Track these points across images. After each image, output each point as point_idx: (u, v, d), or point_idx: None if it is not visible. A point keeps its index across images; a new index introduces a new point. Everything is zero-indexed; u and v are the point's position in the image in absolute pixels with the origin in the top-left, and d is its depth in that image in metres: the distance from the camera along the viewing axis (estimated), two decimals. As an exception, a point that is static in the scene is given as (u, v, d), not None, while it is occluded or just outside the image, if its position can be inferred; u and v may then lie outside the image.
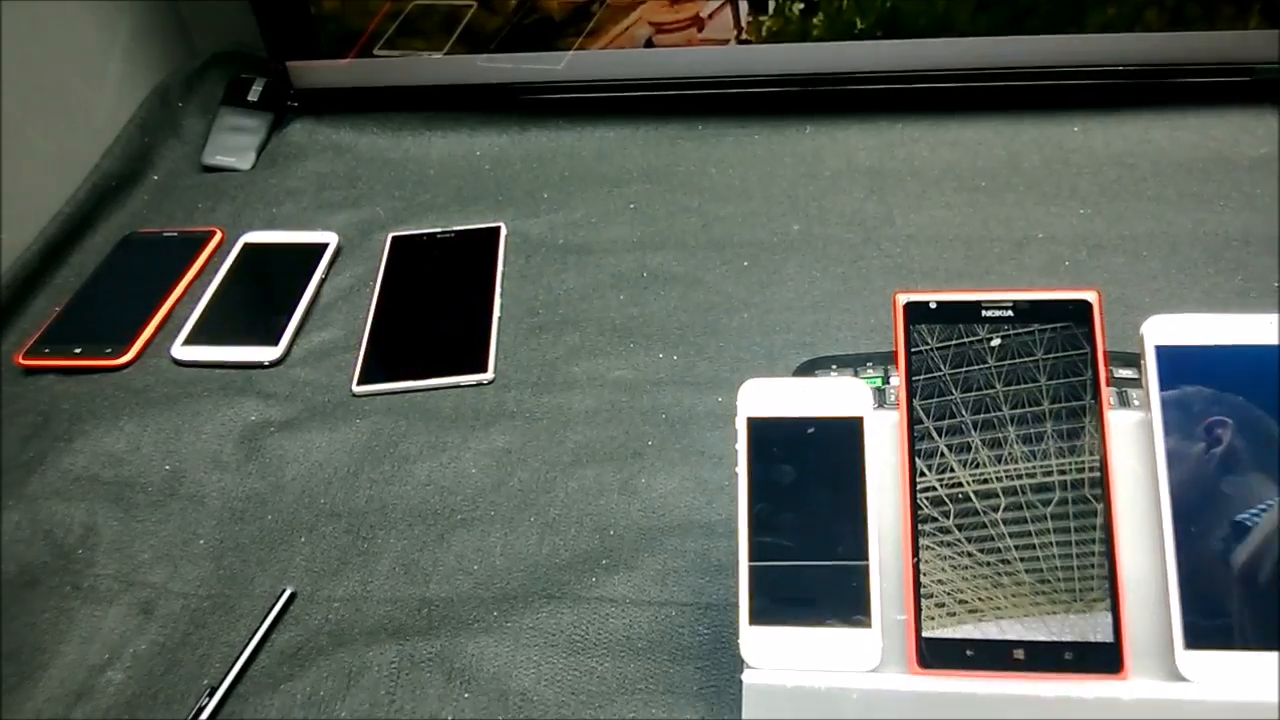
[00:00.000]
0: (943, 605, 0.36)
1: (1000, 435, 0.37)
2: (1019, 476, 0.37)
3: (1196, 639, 0.35)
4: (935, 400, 0.38)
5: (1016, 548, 0.36)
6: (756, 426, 0.39)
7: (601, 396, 0.61)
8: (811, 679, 0.36)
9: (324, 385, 0.64)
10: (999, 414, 0.38)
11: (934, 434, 0.38)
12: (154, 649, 0.50)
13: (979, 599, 0.36)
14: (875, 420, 0.38)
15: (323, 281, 0.72)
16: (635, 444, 0.58)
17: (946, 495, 0.37)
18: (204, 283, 0.72)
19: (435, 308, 0.69)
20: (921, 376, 0.38)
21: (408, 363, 0.65)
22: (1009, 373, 0.38)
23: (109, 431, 0.61)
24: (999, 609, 0.36)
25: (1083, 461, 0.37)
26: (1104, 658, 0.35)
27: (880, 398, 0.54)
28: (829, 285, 0.68)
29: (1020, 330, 0.38)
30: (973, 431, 0.38)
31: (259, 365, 0.66)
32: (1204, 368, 0.37)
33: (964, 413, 0.38)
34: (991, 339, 0.38)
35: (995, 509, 0.37)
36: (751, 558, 0.38)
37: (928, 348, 0.39)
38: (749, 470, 0.38)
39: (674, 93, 0.85)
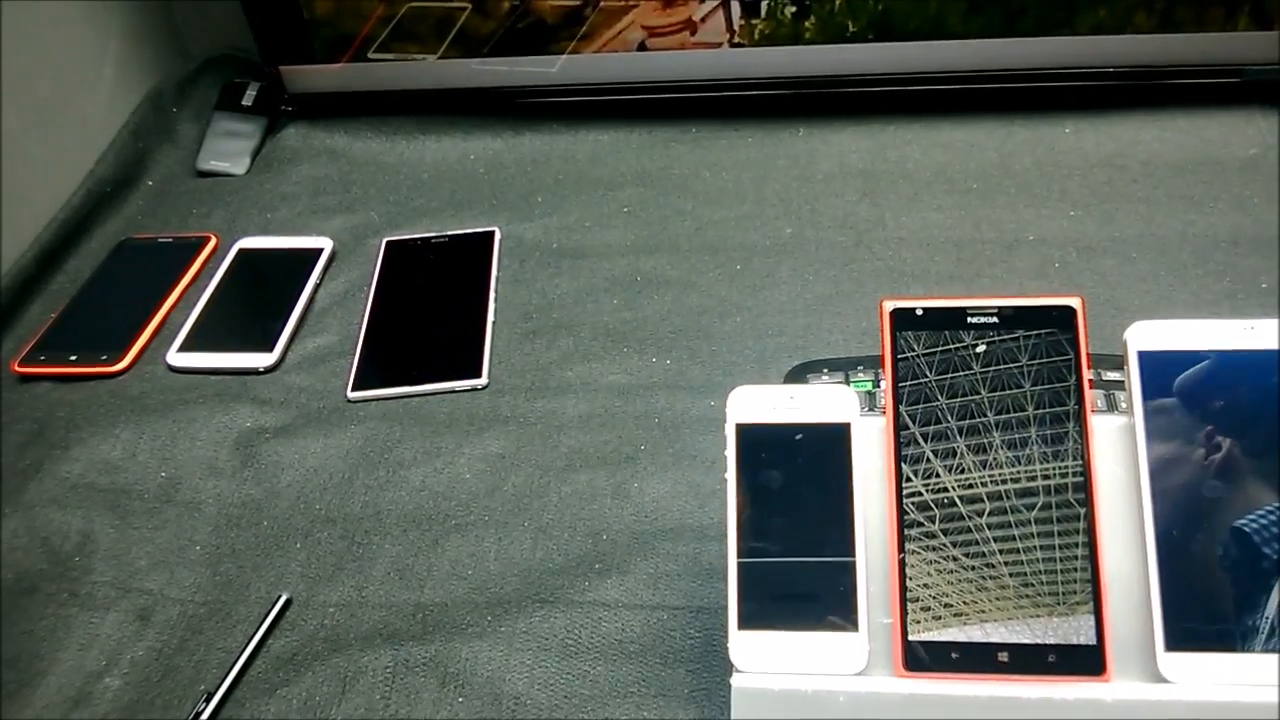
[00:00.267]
0: (928, 609, 0.37)
1: (985, 441, 0.38)
2: (1003, 481, 0.37)
3: (1177, 641, 0.35)
4: (921, 406, 0.39)
5: (1001, 552, 0.37)
6: (745, 433, 0.39)
7: (595, 401, 0.62)
8: (799, 682, 0.37)
9: (319, 391, 0.65)
10: (984, 419, 0.38)
11: (920, 439, 0.38)
12: (151, 655, 0.50)
13: (964, 602, 0.37)
14: (862, 426, 0.39)
15: (317, 287, 0.73)
16: (628, 449, 0.58)
17: (932, 500, 0.38)
18: (199, 289, 0.73)
19: (430, 313, 0.70)
20: (908, 382, 0.39)
21: (402, 368, 0.65)
22: (994, 378, 0.39)
23: (105, 439, 0.61)
24: (983, 612, 0.36)
25: (1066, 466, 0.37)
26: (1087, 660, 0.35)
27: (871, 401, 0.55)
28: (821, 288, 0.68)
29: (1005, 336, 0.39)
30: (958, 437, 0.38)
31: (254, 371, 0.66)
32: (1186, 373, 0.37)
33: (950, 418, 0.38)
34: (977, 345, 0.39)
35: (980, 513, 0.37)
36: (740, 562, 0.38)
37: (914, 354, 0.39)
38: (738, 476, 0.39)
39: (667, 96, 0.85)
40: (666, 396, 0.61)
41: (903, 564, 0.37)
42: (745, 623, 0.37)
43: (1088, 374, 0.38)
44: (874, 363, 0.58)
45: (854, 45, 0.81)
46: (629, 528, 0.54)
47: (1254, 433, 0.36)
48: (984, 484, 0.38)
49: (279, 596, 0.52)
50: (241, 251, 0.75)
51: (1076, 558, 0.36)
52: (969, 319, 0.39)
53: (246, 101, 0.89)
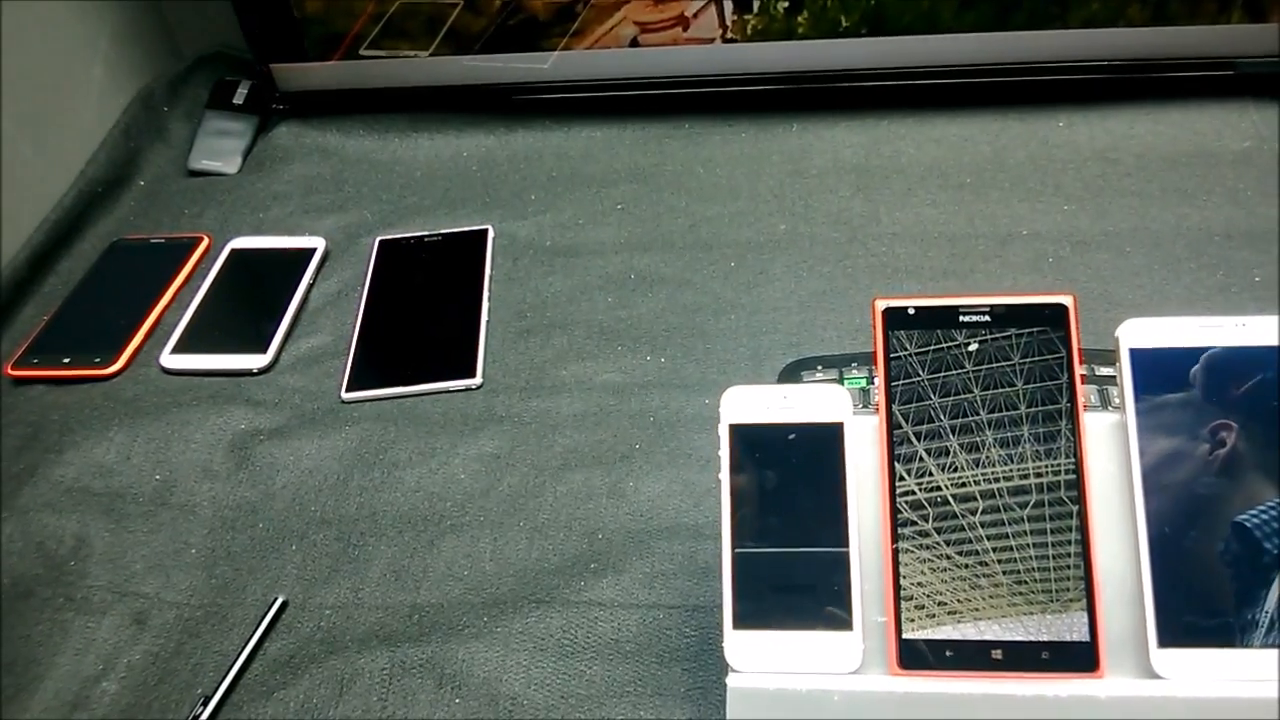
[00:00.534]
0: (922, 607, 0.37)
1: (978, 439, 0.38)
2: (996, 480, 0.38)
3: (1170, 637, 0.35)
4: (914, 405, 0.39)
5: (994, 550, 0.37)
6: (738, 433, 0.39)
7: (589, 400, 0.62)
8: (794, 681, 0.37)
9: (313, 392, 0.64)
10: (976, 418, 0.38)
11: (913, 438, 0.38)
12: (147, 659, 0.50)
13: (958, 601, 0.37)
14: (855, 425, 0.39)
15: (310, 287, 0.73)
16: (623, 447, 0.58)
17: (925, 499, 0.38)
18: (192, 289, 0.72)
19: (423, 312, 0.69)
20: (900, 382, 0.39)
21: (396, 368, 0.65)
22: (986, 377, 0.39)
23: (99, 442, 0.61)
24: (977, 610, 0.36)
25: (1059, 464, 0.37)
26: (1080, 657, 0.36)
27: (865, 398, 0.55)
28: (815, 285, 0.68)
29: (997, 334, 0.39)
30: (951, 436, 0.38)
31: (248, 373, 0.66)
32: (1178, 370, 0.37)
33: (942, 417, 0.38)
34: (969, 343, 0.39)
35: (973, 512, 0.37)
36: (735, 563, 0.38)
37: (906, 353, 0.39)
38: (731, 476, 0.39)
39: (660, 92, 0.85)
40: (661, 395, 0.61)
41: (897, 562, 0.37)
42: (740, 622, 0.38)
43: (1080, 371, 0.38)
44: (868, 359, 0.58)
45: (847, 40, 0.80)
46: (624, 527, 0.54)
47: (1248, 429, 0.36)
48: (977, 482, 0.38)
49: (275, 599, 0.52)
50: (234, 252, 0.75)
51: (1069, 555, 0.36)
52: (961, 318, 0.39)
53: (238, 100, 0.89)
